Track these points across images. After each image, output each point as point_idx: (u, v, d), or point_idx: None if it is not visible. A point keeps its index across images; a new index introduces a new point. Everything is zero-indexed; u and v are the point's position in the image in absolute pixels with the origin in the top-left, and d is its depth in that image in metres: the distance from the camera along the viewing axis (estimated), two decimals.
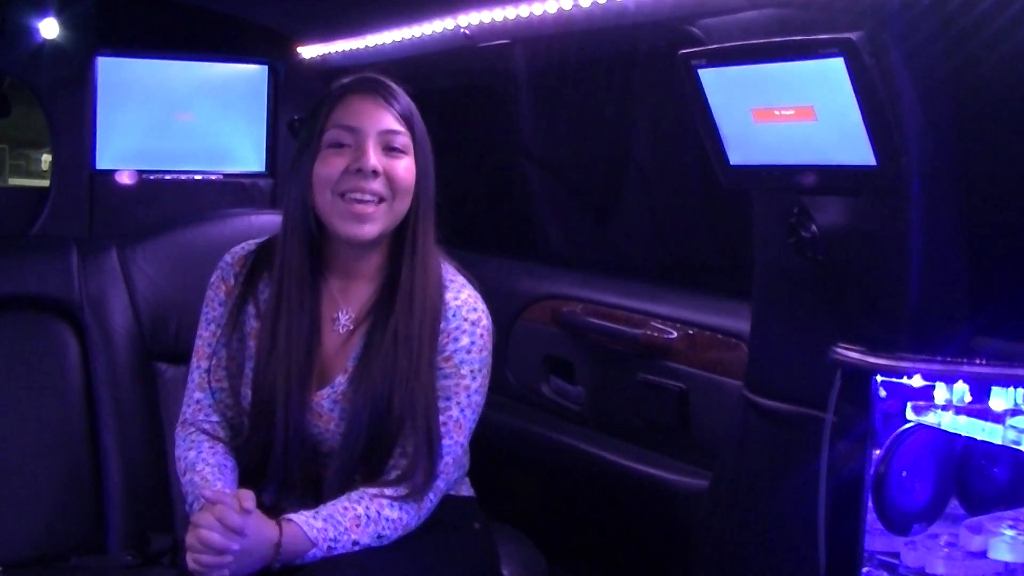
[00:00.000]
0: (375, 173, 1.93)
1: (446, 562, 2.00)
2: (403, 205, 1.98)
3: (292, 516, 1.86)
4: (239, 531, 1.78)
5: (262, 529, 1.83)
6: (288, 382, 1.97)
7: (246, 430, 2.04)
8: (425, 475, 1.94)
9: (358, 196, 1.93)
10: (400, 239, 2.02)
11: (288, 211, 2.02)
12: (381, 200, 1.95)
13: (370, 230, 1.96)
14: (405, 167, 1.97)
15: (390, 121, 1.98)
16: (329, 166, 1.95)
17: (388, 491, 1.92)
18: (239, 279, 2.09)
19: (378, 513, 1.89)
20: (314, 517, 1.86)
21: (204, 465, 2.00)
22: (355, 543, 1.87)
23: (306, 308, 2.00)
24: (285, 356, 1.98)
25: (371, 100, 1.98)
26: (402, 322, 1.97)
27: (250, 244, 2.13)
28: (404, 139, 1.98)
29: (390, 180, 1.95)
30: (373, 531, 1.88)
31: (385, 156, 1.96)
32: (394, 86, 2.03)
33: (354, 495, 1.91)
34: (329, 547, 1.84)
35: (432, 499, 1.97)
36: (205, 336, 2.11)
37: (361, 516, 1.88)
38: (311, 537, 1.84)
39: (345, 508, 1.89)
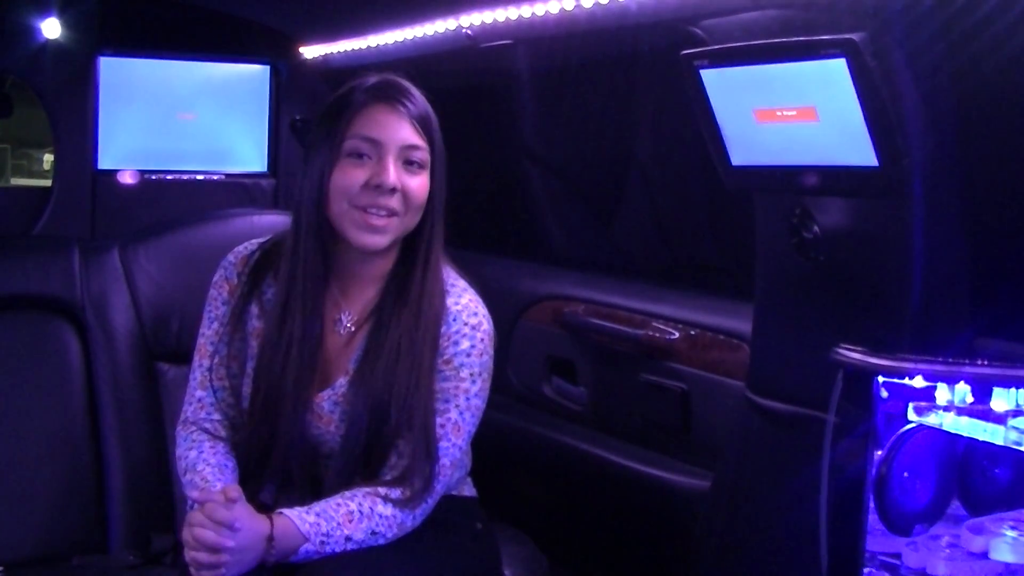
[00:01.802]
0: (393, 190, 1.94)
1: (447, 562, 2.00)
2: (414, 219, 1.99)
3: (284, 510, 1.86)
4: (230, 525, 1.79)
5: (253, 523, 1.82)
6: (291, 383, 1.97)
7: (246, 429, 2.04)
8: (423, 481, 1.94)
9: (374, 210, 1.94)
10: (409, 247, 2.02)
11: (302, 214, 2.00)
12: (394, 214, 1.95)
13: (381, 241, 1.96)
14: (419, 184, 1.97)
15: (411, 135, 1.96)
16: (349, 177, 1.94)
17: (383, 490, 1.92)
18: (242, 278, 2.09)
19: (371, 509, 1.89)
20: (307, 512, 1.86)
21: (204, 465, 2.00)
22: (348, 539, 1.86)
23: (315, 310, 2.00)
24: (288, 357, 1.98)
25: (393, 111, 1.97)
26: (406, 333, 1.97)
27: (252, 244, 2.13)
28: (423, 154, 1.98)
29: (405, 196, 1.95)
30: (367, 527, 1.88)
31: (403, 171, 1.96)
32: (414, 91, 2.01)
33: (348, 492, 1.91)
34: (322, 542, 1.84)
35: (429, 502, 1.97)
36: (208, 335, 2.10)
37: (354, 512, 1.88)
38: (303, 531, 1.83)
39: (338, 504, 1.89)
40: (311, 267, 2.00)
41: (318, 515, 1.86)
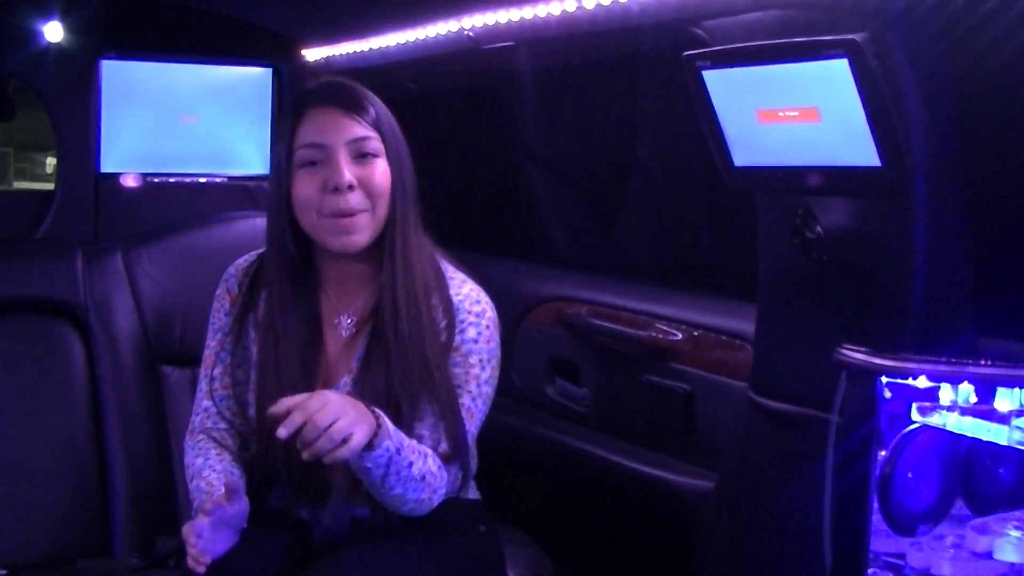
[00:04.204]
0: (351, 187, 1.93)
1: (452, 564, 2.00)
2: (384, 210, 1.98)
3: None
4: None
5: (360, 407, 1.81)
6: (289, 389, 1.97)
7: (254, 437, 2.05)
8: (462, 465, 1.97)
9: (340, 212, 1.94)
10: (386, 242, 2.01)
11: (270, 230, 2.04)
12: (363, 210, 1.95)
13: (359, 239, 1.96)
14: (380, 172, 1.97)
15: (356, 129, 1.96)
16: (306, 187, 1.95)
17: (431, 452, 1.93)
18: (243, 289, 2.10)
19: (428, 456, 1.90)
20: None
21: (210, 471, 2.00)
22: (411, 464, 1.85)
23: (301, 317, 2.02)
24: (285, 364, 1.99)
25: (334, 110, 1.97)
26: (389, 321, 1.97)
27: (252, 255, 2.15)
28: (374, 143, 1.97)
29: (367, 188, 1.95)
30: (422, 468, 1.88)
31: (357, 165, 1.95)
32: (355, 87, 2.02)
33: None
34: (398, 449, 1.83)
35: (454, 484, 1.99)
36: (212, 346, 2.12)
37: (418, 450, 1.89)
38: (390, 430, 1.82)
39: (406, 437, 1.88)
40: (282, 280, 2.02)
41: (396, 430, 1.86)
